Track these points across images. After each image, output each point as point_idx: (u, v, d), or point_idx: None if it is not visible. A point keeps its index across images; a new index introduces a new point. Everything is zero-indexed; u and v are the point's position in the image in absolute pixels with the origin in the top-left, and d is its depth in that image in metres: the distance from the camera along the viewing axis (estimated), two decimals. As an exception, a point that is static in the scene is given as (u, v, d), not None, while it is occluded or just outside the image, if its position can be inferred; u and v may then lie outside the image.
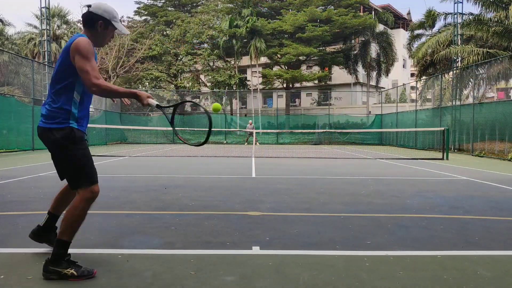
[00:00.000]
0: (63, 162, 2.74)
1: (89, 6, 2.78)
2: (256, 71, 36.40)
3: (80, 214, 2.68)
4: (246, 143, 25.64)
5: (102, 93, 2.62)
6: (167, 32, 38.00)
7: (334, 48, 36.92)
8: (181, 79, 37.60)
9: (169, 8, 41.66)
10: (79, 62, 2.56)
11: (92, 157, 2.88)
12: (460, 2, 21.21)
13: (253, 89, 36.47)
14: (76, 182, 2.72)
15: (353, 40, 37.18)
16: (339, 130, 26.75)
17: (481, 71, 19.66)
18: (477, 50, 19.48)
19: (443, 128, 15.27)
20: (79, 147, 2.72)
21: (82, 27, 2.85)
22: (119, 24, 2.88)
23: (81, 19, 2.81)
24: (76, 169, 2.71)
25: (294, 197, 5.92)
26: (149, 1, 41.30)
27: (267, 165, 11.22)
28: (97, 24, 2.77)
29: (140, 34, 35.08)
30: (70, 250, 2.68)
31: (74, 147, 2.69)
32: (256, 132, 23.60)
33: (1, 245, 3.40)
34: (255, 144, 22.59)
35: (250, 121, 27.39)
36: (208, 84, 36.01)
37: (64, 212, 2.75)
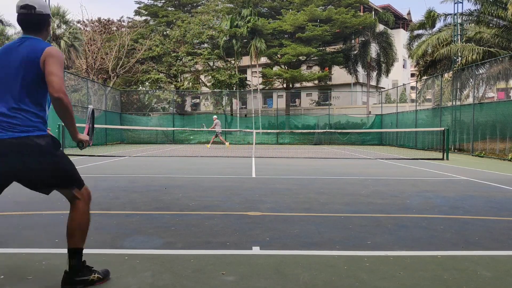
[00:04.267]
0: (53, 171, 2.51)
1: (30, 7, 2.48)
2: (256, 71, 36.39)
3: (88, 217, 2.66)
4: (208, 145, 21.87)
5: (62, 107, 2.42)
6: (167, 32, 38.00)
7: (334, 48, 36.90)
8: (181, 80, 37.61)
9: (169, 8, 41.66)
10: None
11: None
12: (460, 2, 21.22)
13: (253, 89, 36.47)
14: (71, 185, 2.58)
15: (353, 40, 37.17)
16: (339, 130, 26.73)
17: (481, 71, 19.66)
18: (477, 48, 19.48)
19: (443, 128, 15.28)
20: (62, 152, 2.62)
21: (22, 31, 2.59)
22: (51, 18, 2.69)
23: (33, 21, 2.54)
24: (68, 174, 2.59)
25: (294, 197, 5.92)
26: (149, 1, 41.31)
27: (267, 165, 11.21)
28: (47, 24, 2.61)
29: (140, 35, 35.08)
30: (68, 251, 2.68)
31: (60, 152, 2.58)
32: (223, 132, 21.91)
33: (1, 245, 3.40)
34: (209, 143, 21.41)
35: (215, 116, 22.65)
36: (208, 84, 36.01)
37: (70, 222, 2.62)
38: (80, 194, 2.61)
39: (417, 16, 56.51)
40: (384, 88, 39.91)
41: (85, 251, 3.20)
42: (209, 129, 21.76)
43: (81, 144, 2.72)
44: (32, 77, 2.45)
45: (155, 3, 41.42)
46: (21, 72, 2.45)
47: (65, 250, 2.67)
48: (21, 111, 2.43)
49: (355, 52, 35.97)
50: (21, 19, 2.53)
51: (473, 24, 21.44)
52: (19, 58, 2.46)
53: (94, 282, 2.54)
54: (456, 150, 18.48)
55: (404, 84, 42.55)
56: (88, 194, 2.66)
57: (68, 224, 2.59)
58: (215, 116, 22.70)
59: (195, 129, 27.85)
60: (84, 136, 2.70)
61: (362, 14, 36.35)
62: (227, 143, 21.75)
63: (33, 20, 2.52)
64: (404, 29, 45.64)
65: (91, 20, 34.51)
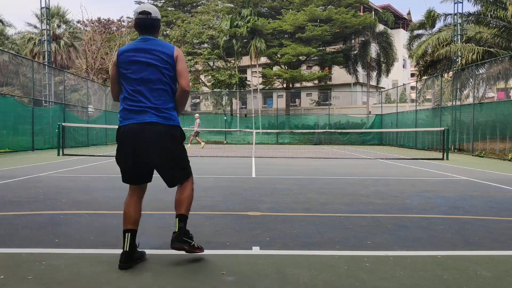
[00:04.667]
0: (179, 155, 3.08)
1: (147, 13, 2.99)
2: (256, 71, 36.39)
3: (193, 194, 3.17)
4: (189, 144, 21.20)
5: (185, 98, 3.05)
6: (167, 32, 38.01)
7: (334, 48, 36.90)
8: (181, 80, 37.56)
9: (169, 8, 41.68)
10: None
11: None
12: (460, 2, 21.22)
13: (253, 89, 36.47)
14: (187, 171, 3.15)
15: (353, 40, 37.18)
16: (339, 130, 26.73)
17: (481, 71, 19.66)
18: (477, 48, 19.49)
19: (443, 128, 15.28)
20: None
21: (140, 33, 3.03)
22: None
23: (148, 24, 3.04)
24: (187, 160, 3.17)
25: (294, 197, 5.92)
26: (149, 1, 41.30)
27: (267, 165, 11.21)
28: (159, 27, 3.09)
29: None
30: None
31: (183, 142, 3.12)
32: (197, 132, 21.12)
33: (1, 245, 3.40)
34: (190, 144, 20.99)
35: (197, 115, 22.28)
36: (208, 84, 36.01)
37: (179, 197, 3.09)
38: (190, 177, 3.20)
39: (417, 16, 56.59)
40: (384, 88, 39.92)
41: (85, 251, 3.22)
42: (197, 129, 21.19)
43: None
44: (166, 70, 2.94)
45: (155, 3, 41.43)
46: (162, 66, 2.92)
47: (65, 250, 3.14)
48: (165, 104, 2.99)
49: (355, 52, 35.97)
50: (139, 23, 3.01)
51: (473, 24, 21.43)
52: (156, 54, 2.92)
53: (195, 248, 3.01)
54: (456, 150, 18.49)
55: (404, 84, 42.55)
56: (192, 178, 3.21)
57: (179, 197, 3.08)
58: (197, 115, 22.27)
59: (195, 129, 27.81)
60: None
61: (362, 14, 36.35)
62: (202, 144, 21.15)
63: (148, 23, 3.00)
64: (404, 29, 45.65)
65: (91, 20, 34.57)
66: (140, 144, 2.95)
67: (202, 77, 39.48)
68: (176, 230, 2.97)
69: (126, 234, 2.95)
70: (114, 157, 3.19)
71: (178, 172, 3.09)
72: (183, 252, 3.23)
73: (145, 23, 2.99)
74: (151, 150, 2.95)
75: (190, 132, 21.55)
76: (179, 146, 3.08)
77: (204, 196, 5.92)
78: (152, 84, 2.92)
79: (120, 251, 3.17)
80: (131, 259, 2.89)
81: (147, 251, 3.26)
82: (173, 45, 3.04)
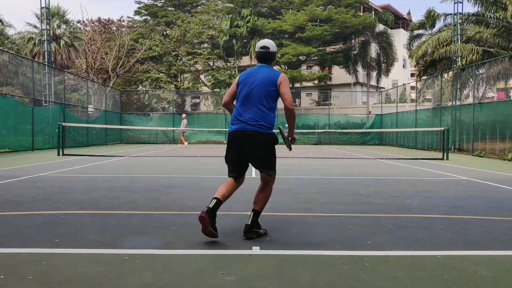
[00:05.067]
0: (270, 156, 3.83)
1: (266, 48, 3.91)
2: (256, 71, 36.32)
3: (270, 193, 3.90)
4: (180, 145, 21.80)
5: (292, 115, 3.81)
6: (167, 32, 38.01)
7: (334, 48, 36.90)
8: (181, 79, 37.60)
9: (169, 8, 41.67)
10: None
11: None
12: (460, 2, 21.21)
13: (253, 89, 36.41)
14: (274, 169, 3.85)
15: (353, 40, 37.17)
16: (339, 130, 26.72)
17: (481, 71, 19.65)
18: (477, 48, 19.48)
19: (443, 128, 15.27)
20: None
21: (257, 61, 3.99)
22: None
23: (266, 57, 3.98)
24: (274, 161, 3.87)
25: (294, 197, 5.92)
26: (149, 1, 41.32)
27: (267, 165, 11.19)
28: (274, 57, 4.04)
29: (140, 34, 35.06)
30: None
31: (274, 146, 3.89)
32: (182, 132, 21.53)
33: (1, 245, 3.40)
34: (179, 145, 21.26)
35: (184, 115, 22.31)
36: (208, 84, 36.00)
37: (259, 194, 3.82)
38: (274, 176, 3.87)
39: (417, 16, 56.58)
40: (384, 88, 39.91)
41: (85, 251, 3.23)
42: (182, 129, 21.29)
43: (292, 140, 4.10)
44: (270, 91, 3.76)
45: (155, 3, 41.44)
46: (263, 88, 3.76)
47: (65, 250, 3.17)
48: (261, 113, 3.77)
49: (355, 52, 35.97)
50: (259, 55, 3.95)
51: (472, 24, 21.42)
52: (261, 79, 3.77)
53: (262, 234, 3.75)
54: (456, 150, 18.49)
55: (404, 84, 42.53)
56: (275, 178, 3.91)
57: (258, 194, 3.81)
58: (184, 115, 22.43)
59: (195, 129, 27.84)
60: (294, 136, 4.08)
61: (362, 14, 36.35)
62: (185, 143, 21.39)
63: (267, 56, 3.93)
64: (404, 29, 45.64)
65: (91, 20, 34.52)
66: None
67: (202, 77, 39.47)
68: (249, 223, 3.70)
69: (213, 199, 3.65)
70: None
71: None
72: (183, 252, 3.24)
73: (263, 56, 3.92)
74: None
75: (190, 132, 21.78)
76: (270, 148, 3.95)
77: (204, 196, 5.91)
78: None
79: (120, 251, 3.18)
80: (212, 217, 3.55)
81: (147, 251, 3.26)
82: (279, 72, 3.84)
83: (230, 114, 4.00)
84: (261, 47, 3.91)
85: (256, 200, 3.81)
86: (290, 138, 4.07)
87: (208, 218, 3.49)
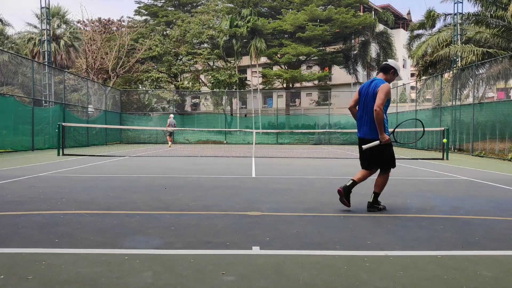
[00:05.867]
0: (385, 155, 4.93)
1: (386, 61, 5.01)
2: (256, 71, 36.38)
3: (387, 181, 5.02)
4: (170, 144, 22.39)
5: (376, 117, 4.59)
6: (167, 32, 38.00)
7: (334, 48, 36.90)
8: (181, 79, 37.60)
9: (169, 8, 41.66)
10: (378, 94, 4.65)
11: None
12: (460, 2, 21.21)
13: (253, 89, 36.47)
14: (388, 165, 5.01)
15: (353, 40, 37.17)
16: (339, 130, 26.72)
17: (481, 71, 19.66)
18: (477, 49, 19.48)
19: (443, 128, 15.27)
20: (390, 147, 5.00)
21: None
22: (399, 72, 5.04)
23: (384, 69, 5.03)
24: (389, 158, 4.98)
25: (294, 197, 5.92)
26: (149, 1, 41.31)
27: (267, 165, 11.21)
28: (389, 71, 4.92)
29: (141, 34, 35.05)
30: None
31: (389, 147, 4.96)
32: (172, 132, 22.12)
33: (1, 245, 3.40)
34: (169, 146, 21.73)
35: (172, 115, 23.20)
36: (208, 84, 36.02)
37: (379, 179, 5.00)
38: (388, 170, 5.06)
39: (417, 16, 56.58)
40: (384, 88, 39.82)
41: (85, 251, 3.23)
42: (168, 128, 21.69)
43: (381, 141, 4.75)
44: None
45: (155, 3, 41.43)
46: (372, 98, 4.70)
47: (65, 250, 3.22)
48: (372, 122, 4.76)
49: (355, 52, 35.97)
50: (382, 67, 4.98)
51: (472, 24, 21.43)
52: (371, 90, 4.76)
53: (381, 209, 4.94)
54: (456, 150, 18.49)
55: (404, 84, 42.51)
56: (390, 171, 5.10)
57: (378, 180, 4.99)
58: (171, 115, 23.02)
59: (195, 129, 27.85)
60: (385, 136, 4.74)
61: (362, 14, 36.35)
62: (170, 144, 22.01)
63: (383, 66, 4.99)
64: (404, 29, 45.64)
65: (91, 20, 34.54)
66: None
67: (202, 77, 39.47)
68: (371, 201, 4.92)
69: (350, 180, 4.94)
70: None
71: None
72: (183, 252, 3.24)
73: (383, 66, 4.98)
74: None
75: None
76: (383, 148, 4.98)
77: (204, 196, 5.92)
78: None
79: (120, 251, 3.20)
80: (346, 192, 4.91)
81: (147, 251, 3.26)
82: (382, 81, 4.77)
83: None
84: (384, 62, 5.11)
85: (376, 184, 4.95)
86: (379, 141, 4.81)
87: (343, 192, 4.85)
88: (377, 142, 4.74)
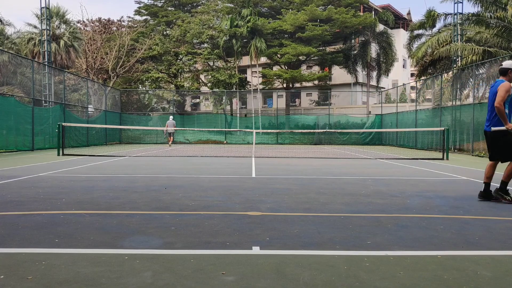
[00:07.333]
0: (505, 146, 5.46)
1: (501, 64, 5.67)
2: (256, 71, 36.38)
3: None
4: (170, 144, 23.34)
5: (498, 111, 5.36)
6: (167, 32, 37.98)
7: (334, 48, 36.88)
8: (181, 79, 37.60)
9: (169, 8, 41.64)
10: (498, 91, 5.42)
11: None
12: (460, 2, 21.20)
13: (253, 89, 36.46)
14: (509, 157, 5.51)
15: (353, 40, 37.16)
16: (339, 130, 26.72)
17: (481, 71, 19.65)
18: (477, 48, 19.48)
19: (443, 128, 15.27)
20: (509, 138, 5.45)
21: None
22: None
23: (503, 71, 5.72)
24: (509, 150, 5.48)
25: (294, 197, 5.92)
26: (149, 1, 41.29)
27: (267, 165, 11.22)
28: (508, 72, 5.59)
29: (141, 34, 35.03)
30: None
31: (507, 138, 5.45)
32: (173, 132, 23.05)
33: (1, 245, 3.40)
34: (169, 145, 22.53)
35: (171, 116, 24.26)
36: (208, 84, 36.02)
37: (506, 171, 5.55)
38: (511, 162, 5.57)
39: (417, 16, 56.59)
40: (384, 88, 39.89)
41: (85, 251, 3.22)
42: (167, 129, 22.36)
43: (509, 128, 5.34)
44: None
45: (155, 3, 41.40)
46: (494, 97, 5.48)
47: (65, 250, 3.20)
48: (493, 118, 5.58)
49: (355, 52, 35.95)
50: (500, 70, 5.67)
51: (472, 24, 21.42)
52: (494, 90, 5.52)
53: (506, 200, 5.56)
54: (456, 150, 18.48)
55: (404, 84, 42.52)
56: None
57: (508, 170, 5.52)
58: (171, 116, 24.05)
59: (195, 129, 27.85)
60: (510, 124, 5.35)
61: (362, 14, 36.34)
62: (169, 144, 23.09)
63: (503, 71, 5.64)
64: (404, 29, 45.64)
65: (91, 20, 34.52)
66: None
67: (202, 77, 39.46)
68: (498, 188, 5.61)
69: (484, 184, 5.69)
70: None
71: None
72: (183, 252, 3.24)
73: (503, 71, 5.64)
74: None
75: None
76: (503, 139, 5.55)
77: (204, 196, 5.92)
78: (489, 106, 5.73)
79: (120, 251, 3.20)
80: (485, 196, 5.70)
81: (147, 251, 3.27)
82: (501, 81, 5.53)
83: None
84: (503, 65, 5.64)
85: (507, 174, 5.54)
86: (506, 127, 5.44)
87: (482, 197, 5.73)
88: (503, 128, 5.40)
